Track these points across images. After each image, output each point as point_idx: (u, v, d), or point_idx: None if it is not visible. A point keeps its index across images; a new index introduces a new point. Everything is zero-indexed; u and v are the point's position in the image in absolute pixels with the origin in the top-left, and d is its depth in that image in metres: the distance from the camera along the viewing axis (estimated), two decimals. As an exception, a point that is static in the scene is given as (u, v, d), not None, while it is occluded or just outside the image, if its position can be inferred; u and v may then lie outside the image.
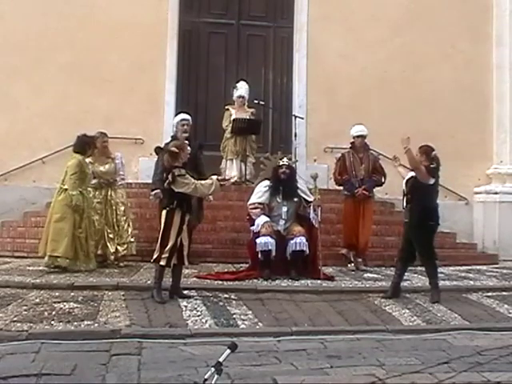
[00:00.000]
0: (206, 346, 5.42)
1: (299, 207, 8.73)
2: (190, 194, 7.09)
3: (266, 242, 8.31)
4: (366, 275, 8.97)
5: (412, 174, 7.51)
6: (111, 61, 11.59)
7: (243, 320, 6.34)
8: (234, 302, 7.07)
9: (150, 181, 9.20)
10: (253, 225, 8.57)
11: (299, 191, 8.75)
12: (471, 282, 8.77)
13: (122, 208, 9.16)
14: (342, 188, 9.79)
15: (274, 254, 8.37)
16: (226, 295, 7.31)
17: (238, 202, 10.27)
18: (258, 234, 8.41)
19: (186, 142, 8.27)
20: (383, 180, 9.64)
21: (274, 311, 6.72)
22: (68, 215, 8.46)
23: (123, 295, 7.15)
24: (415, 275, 8.69)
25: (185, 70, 12.26)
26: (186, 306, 6.74)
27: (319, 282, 8.23)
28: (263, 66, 12.56)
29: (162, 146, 8.52)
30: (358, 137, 9.63)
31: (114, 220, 9.09)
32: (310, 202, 8.68)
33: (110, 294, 7.20)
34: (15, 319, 6.05)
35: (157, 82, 11.72)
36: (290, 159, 9.16)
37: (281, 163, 8.80)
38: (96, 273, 8.38)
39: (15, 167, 11.24)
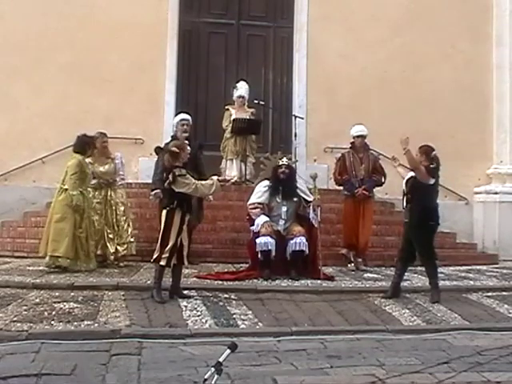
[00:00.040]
0: (206, 345, 5.42)
1: (299, 207, 8.73)
2: (191, 194, 7.09)
3: (265, 242, 8.31)
4: (366, 275, 8.97)
5: (412, 173, 7.51)
6: (111, 61, 11.59)
7: (243, 320, 6.34)
8: (234, 301, 7.07)
9: (150, 181, 9.21)
10: (253, 225, 8.57)
11: (299, 191, 8.75)
12: (471, 282, 8.77)
13: (122, 208, 9.16)
14: (342, 188, 9.79)
15: (273, 253, 8.37)
16: (226, 295, 7.31)
17: (237, 201, 10.27)
18: (257, 234, 8.41)
19: (186, 141, 8.28)
20: (383, 180, 9.64)
21: (274, 311, 6.72)
22: (68, 215, 8.46)
23: (123, 295, 7.15)
24: (415, 275, 8.69)
25: (185, 69, 12.26)
26: (186, 306, 6.74)
27: (319, 282, 8.23)
28: (263, 66, 12.56)
29: (162, 146, 8.52)
30: (357, 137, 9.63)
31: (114, 220, 9.08)
32: (310, 201, 8.68)
33: (109, 293, 7.20)
34: (15, 319, 6.05)
35: (157, 82, 11.72)
36: (289, 159, 9.16)
37: (280, 163, 8.80)
38: (96, 273, 8.38)
39: (15, 167, 11.24)
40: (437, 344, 5.70)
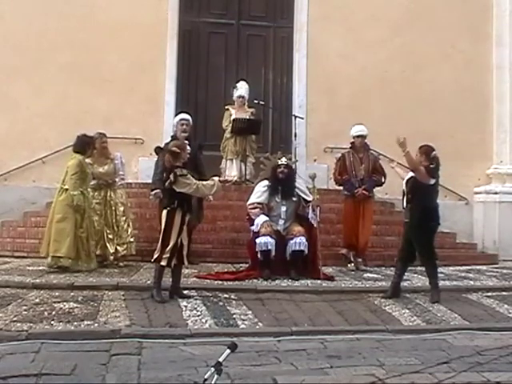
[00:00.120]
0: (206, 346, 5.42)
1: (298, 207, 8.73)
2: (192, 194, 7.09)
3: (265, 241, 8.31)
4: (365, 275, 8.97)
5: (412, 173, 7.51)
6: (111, 61, 11.59)
7: (243, 320, 6.34)
8: (233, 301, 7.07)
9: (150, 181, 9.21)
10: (252, 225, 8.57)
11: (298, 191, 8.75)
12: (471, 282, 8.77)
13: (122, 208, 9.16)
14: (341, 188, 9.79)
15: (273, 253, 8.37)
16: (225, 295, 7.31)
17: (237, 201, 10.27)
18: (257, 234, 8.41)
19: (186, 141, 8.28)
20: (383, 180, 9.65)
21: (273, 311, 6.72)
22: (69, 215, 8.46)
23: (123, 295, 7.15)
24: (415, 275, 8.69)
25: (185, 69, 12.27)
26: (185, 306, 6.74)
27: (319, 282, 8.23)
28: (263, 65, 12.56)
29: (162, 146, 8.52)
30: (357, 137, 9.63)
31: (114, 221, 9.08)
32: (309, 201, 8.68)
33: (109, 293, 7.20)
34: (15, 319, 6.04)
35: (157, 81, 11.73)
36: (289, 159, 9.15)
37: (279, 163, 8.81)
38: (96, 273, 8.38)
39: (15, 167, 11.24)
40: (437, 344, 5.70)
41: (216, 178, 7.32)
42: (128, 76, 11.54)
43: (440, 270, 8.11)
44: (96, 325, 5.99)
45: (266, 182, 8.81)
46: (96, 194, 9.08)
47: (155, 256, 7.01)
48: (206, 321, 6.26)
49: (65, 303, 6.71)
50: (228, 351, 3.64)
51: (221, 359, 3.56)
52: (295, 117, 11.70)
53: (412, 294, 7.74)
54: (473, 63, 12.41)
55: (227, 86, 11.85)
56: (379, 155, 10.07)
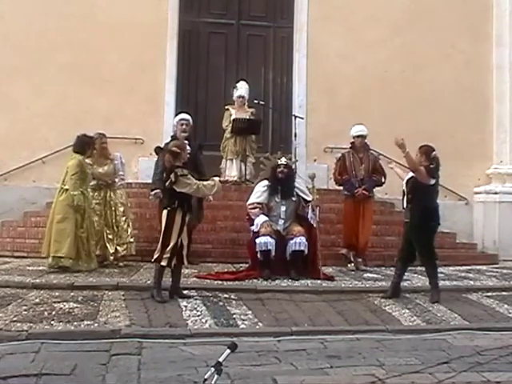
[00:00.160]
0: (206, 346, 5.42)
1: (298, 207, 8.73)
2: (192, 194, 7.08)
3: (265, 241, 8.31)
4: (365, 275, 8.97)
5: (412, 174, 7.52)
6: (111, 61, 11.59)
7: (243, 320, 6.34)
8: (233, 301, 7.07)
9: (150, 181, 9.21)
10: (252, 225, 8.57)
11: (298, 190, 8.75)
12: (471, 282, 8.77)
13: (122, 209, 9.15)
14: (341, 188, 9.79)
15: (273, 253, 8.37)
16: (225, 295, 7.31)
17: (237, 201, 10.26)
18: (257, 234, 8.41)
19: (186, 141, 8.28)
20: (383, 180, 9.65)
21: (273, 311, 6.72)
22: (70, 215, 8.46)
23: (123, 295, 7.15)
24: (415, 275, 8.69)
25: (185, 69, 12.27)
26: (185, 306, 6.74)
27: (319, 282, 8.23)
28: (263, 65, 12.56)
29: (162, 146, 8.52)
30: (357, 137, 9.63)
31: (113, 221, 9.07)
32: (309, 201, 8.68)
33: (109, 293, 7.20)
34: (15, 319, 6.04)
35: (157, 81, 11.72)
36: (289, 159, 9.15)
37: (279, 163, 8.81)
38: (96, 273, 8.38)
39: (15, 167, 11.24)
40: (437, 344, 5.70)
41: (216, 178, 7.33)
42: (128, 76, 11.54)
43: (440, 269, 8.11)
44: (96, 325, 5.99)
45: (265, 182, 8.81)
46: (96, 194, 9.08)
47: (155, 256, 7.01)
48: (206, 321, 6.26)
49: (65, 303, 6.71)
50: (228, 351, 3.63)
51: (221, 359, 3.56)
52: (295, 117, 11.70)
53: (412, 294, 7.74)
54: (473, 63, 12.41)
55: (227, 85, 11.85)
56: (379, 155, 10.06)
